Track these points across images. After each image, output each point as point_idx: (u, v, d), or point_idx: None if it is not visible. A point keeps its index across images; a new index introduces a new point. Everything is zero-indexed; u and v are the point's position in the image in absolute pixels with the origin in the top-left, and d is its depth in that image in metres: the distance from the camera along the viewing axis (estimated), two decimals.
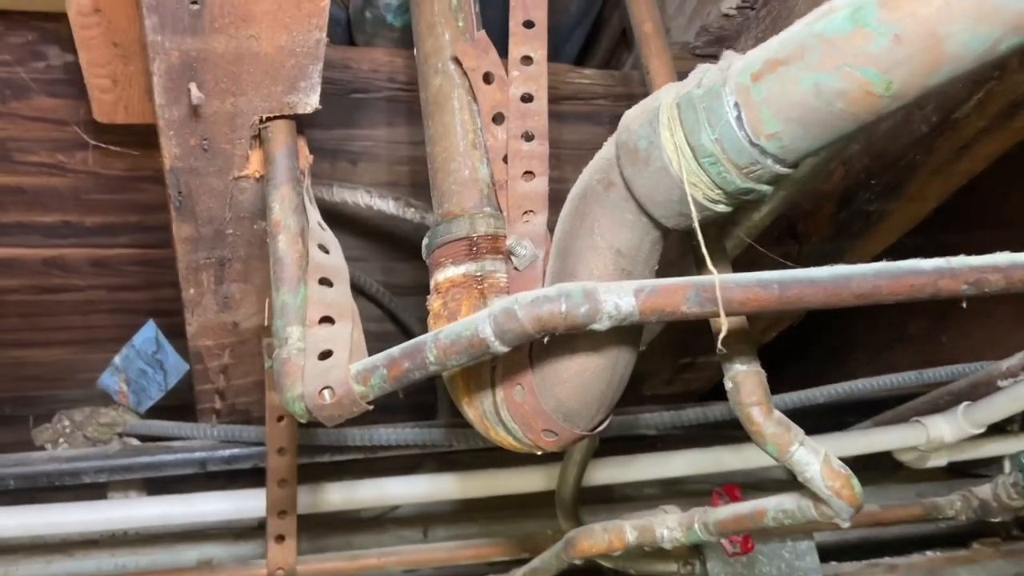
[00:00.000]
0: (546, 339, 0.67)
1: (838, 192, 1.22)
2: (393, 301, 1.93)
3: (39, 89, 1.31)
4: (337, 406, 0.73)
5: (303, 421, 0.76)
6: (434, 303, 0.85)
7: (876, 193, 1.30)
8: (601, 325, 0.64)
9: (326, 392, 0.73)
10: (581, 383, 0.74)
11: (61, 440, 1.62)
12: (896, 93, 0.56)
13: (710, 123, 0.63)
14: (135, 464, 1.48)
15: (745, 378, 0.81)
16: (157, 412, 1.90)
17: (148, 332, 1.55)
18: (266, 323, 0.82)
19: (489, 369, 0.80)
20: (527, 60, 0.92)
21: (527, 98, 0.90)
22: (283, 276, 0.80)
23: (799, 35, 0.59)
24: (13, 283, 1.80)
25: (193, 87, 0.76)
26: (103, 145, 1.34)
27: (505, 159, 0.89)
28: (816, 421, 1.85)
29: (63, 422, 1.62)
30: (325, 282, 0.81)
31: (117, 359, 1.61)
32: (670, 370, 1.85)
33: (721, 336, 0.63)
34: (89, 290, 1.87)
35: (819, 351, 2.58)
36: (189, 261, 1.03)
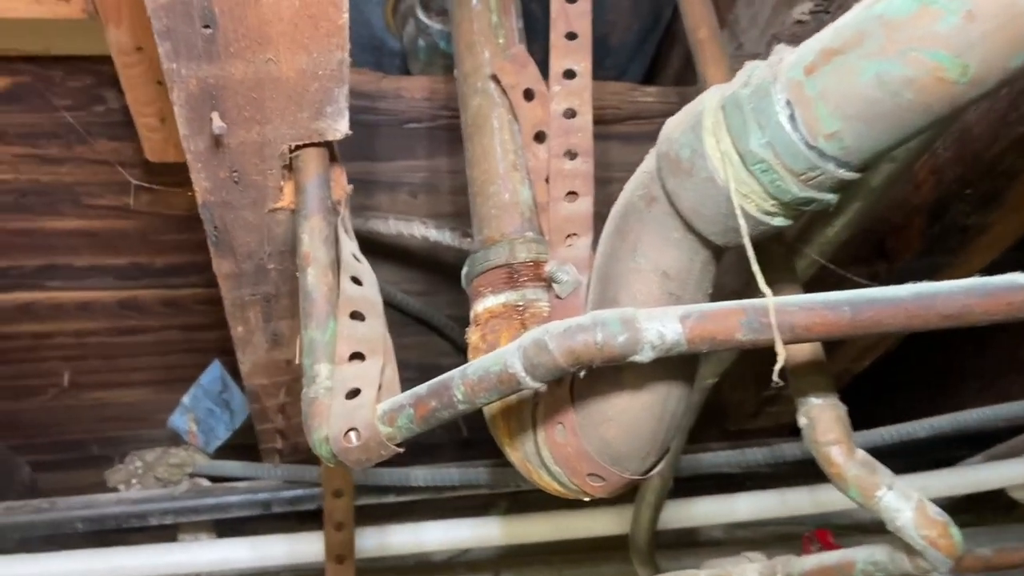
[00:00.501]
0: (582, 373, 0.60)
1: (929, 204, 1.11)
2: (463, 335, 1.88)
3: (100, 132, 1.33)
4: (364, 449, 0.68)
5: (331, 465, 0.71)
6: (473, 336, 0.80)
7: (972, 204, 1.18)
8: (643, 356, 0.57)
9: (352, 434, 0.68)
10: (628, 422, 0.66)
11: (133, 481, 1.63)
12: (974, 78, 0.47)
13: (759, 125, 0.56)
14: (201, 506, 1.46)
15: (821, 413, 0.72)
16: (228, 451, 1.90)
17: (214, 372, 1.54)
18: (296, 360, 0.77)
19: (530, 407, 0.73)
20: (570, 74, 0.86)
21: (570, 114, 0.84)
22: (311, 311, 0.75)
23: (856, 20, 0.51)
24: (91, 325, 1.83)
25: (215, 116, 0.73)
26: (161, 187, 1.35)
27: (547, 180, 0.83)
28: (921, 457, 1.71)
29: (135, 463, 1.63)
30: (356, 316, 0.77)
31: (186, 399, 1.61)
32: (755, 402, 1.73)
33: (778, 367, 0.55)
34: (163, 330, 1.89)
35: (923, 379, 2.40)
36: (234, 298, 1.01)
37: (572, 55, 0.87)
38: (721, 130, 0.58)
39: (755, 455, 1.38)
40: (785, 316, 0.57)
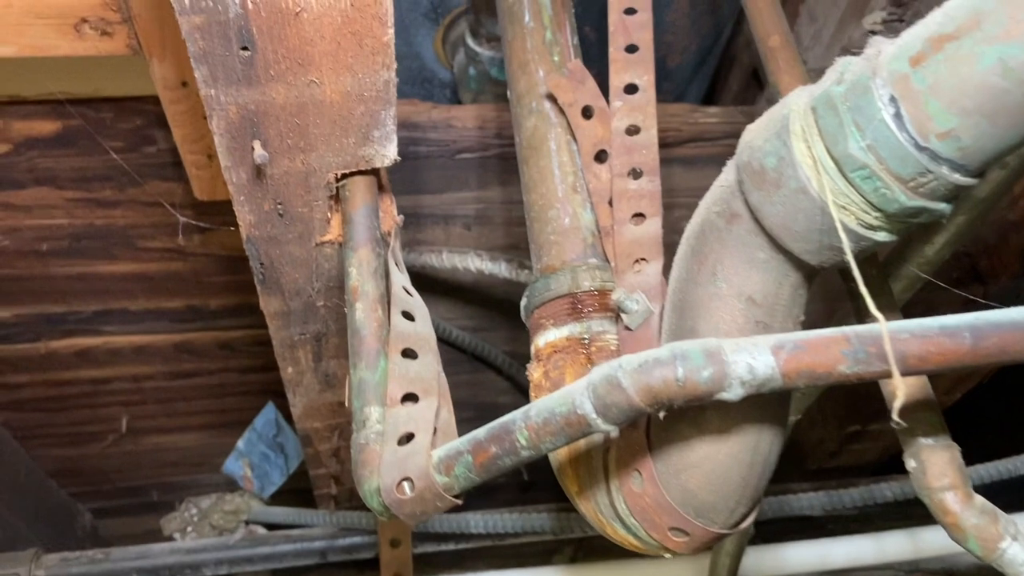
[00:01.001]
0: (661, 414, 0.53)
1: None
2: (521, 372, 1.82)
3: (151, 173, 1.32)
4: (419, 501, 0.61)
5: (384, 519, 0.65)
6: (534, 372, 0.73)
7: None
8: (732, 394, 0.50)
9: (405, 484, 0.62)
10: (713, 469, 0.59)
11: (189, 529, 1.59)
12: None
13: (858, 126, 0.49)
14: (255, 555, 1.41)
15: (932, 455, 0.64)
16: (284, 494, 1.86)
17: (268, 414, 1.50)
18: (346, 403, 0.72)
19: (601, 452, 0.66)
20: (631, 88, 0.80)
21: (633, 130, 0.78)
22: (360, 350, 0.70)
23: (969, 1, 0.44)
24: (148, 370, 1.82)
25: (256, 145, 0.69)
26: (211, 226, 1.33)
27: (611, 202, 0.77)
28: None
29: (190, 510, 1.59)
30: (409, 354, 0.71)
31: (240, 443, 1.57)
32: (836, 440, 1.62)
33: (897, 406, 0.47)
34: (219, 373, 1.87)
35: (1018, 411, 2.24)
36: (283, 338, 0.96)
37: (633, 68, 0.81)
38: (813, 134, 0.51)
39: (849, 498, 1.27)
40: (897, 344, 0.49)
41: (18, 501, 1.88)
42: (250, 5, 0.59)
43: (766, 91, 1.83)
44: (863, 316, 0.69)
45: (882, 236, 0.52)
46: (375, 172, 0.78)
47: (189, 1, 0.57)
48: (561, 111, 0.82)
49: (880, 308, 0.69)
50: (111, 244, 1.46)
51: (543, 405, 0.55)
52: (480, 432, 0.58)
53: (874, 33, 1.26)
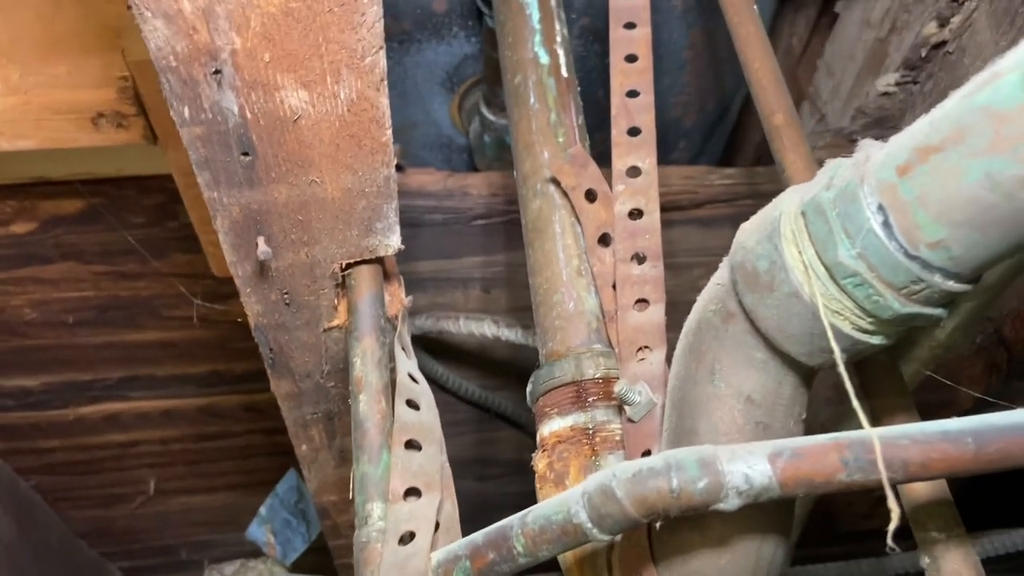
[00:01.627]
0: (658, 524, 0.52)
1: None
2: None
3: (174, 247, 1.35)
4: None
5: None
6: (539, 463, 0.73)
7: None
8: (728, 505, 0.49)
9: None
10: None
11: None
12: None
13: (847, 233, 0.48)
14: None
15: (946, 552, 0.62)
16: (309, 556, 1.85)
17: (290, 481, 1.51)
18: (350, 496, 0.72)
19: (605, 553, 0.65)
20: (634, 172, 0.80)
21: (636, 214, 0.78)
22: (363, 443, 0.70)
23: (956, 111, 0.44)
24: (175, 433, 1.84)
25: (260, 241, 0.70)
26: (232, 298, 1.35)
27: (614, 286, 0.76)
28: None
29: None
30: (412, 445, 0.71)
31: (263, 509, 1.58)
32: (867, 503, 1.58)
33: (892, 528, 0.46)
34: (245, 435, 1.89)
35: None
36: (295, 418, 0.97)
37: (636, 151, 0.81)
38: (803, 239, 0.51)
39: (869, 569, 1.23)
40: (896, 451, 0.48)
41: (51, 561, 1.90)
42: (249, 114, 0.60)
43: None
44: (874, 411, 0.67)
45: (878, 340, 0.51)
46: (380, 260, 0.79)
47: (189, 114, 0.59)
48: (565, 194, 0.83)
49: (890, 397, 0.68)
50: (136, 314, 1.48)
51: (539, 512, 0.54)
52: (478, 536, 0.58)
53: (888, 95, 1.25)
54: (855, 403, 0.47)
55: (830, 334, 0.49)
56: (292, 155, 0.64)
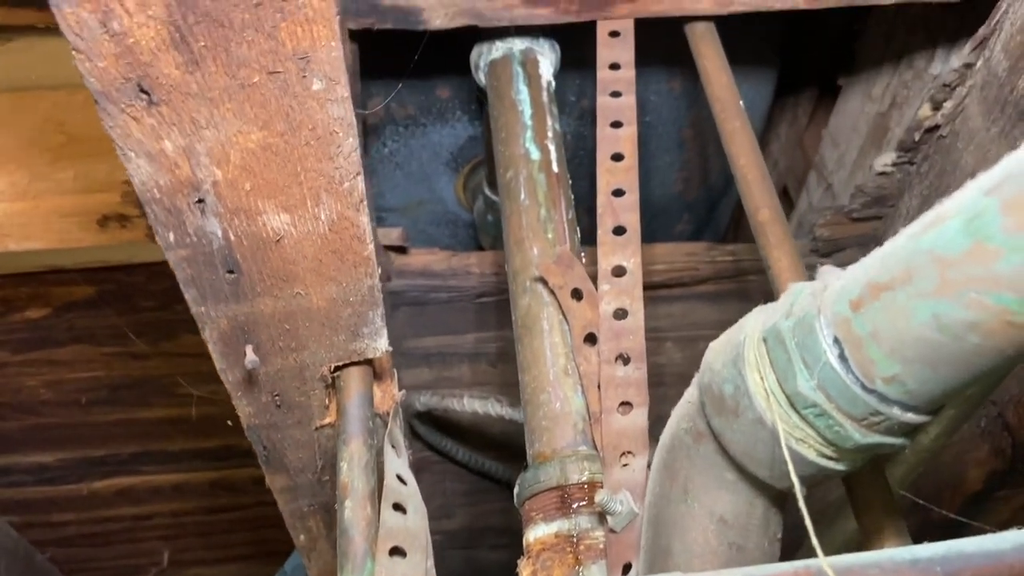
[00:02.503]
0: None
1: None
2: None
3: (183, 328, 1.37)
4: None
5: None
6: (524, 571, 0.72)
7: None
8: None
9: None
10: None
11: None
12: None
13: (806, 364, 0.49)
14: None
15: None
16: None
17: (296, 559, 1.51)
18: None
19: None
20: (619, 271, 0.82)
21: (620, 314, 0.79)
22: (348, 551, 0.70)
23: (904, 252, 0.45)
24: (187, 506, 1.85)
25: (249, 350, 0.72)
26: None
27: (600, 386, 0.77)
28: None
29: None
30: (397, 552, 0.71)
31: None
32: None
33: None
34: (256, 507, 1.89)
35: None
36: (292, 510, 0.97)
37: (621, 250, 0.83)
38: (765, 366, 0.51)
39: None
40: None
41: None
42: (232, 237, 0.62)
43: (794, 216, 1.84)
44: (859, 517, 0.67)
45: (843, 467, 0.51)
46: (370, 361, 0.80)
47: (174, 238, 0.61)
48: (553, 292, 0.84)
49: (874, 506, 0.68)
50: (147, 392, 1.51)
51: None
52: None
53: (886, 175, 1.26)
54: (809, 530, 0.47)
55: (790, 463, 0.49)
56: (276, 271, 0.66)
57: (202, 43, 0.49)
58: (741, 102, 0.95)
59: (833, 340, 0.48)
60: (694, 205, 1.62)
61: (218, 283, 0.66)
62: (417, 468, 1.83)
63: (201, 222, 0.60)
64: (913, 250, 0.44)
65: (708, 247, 1.40)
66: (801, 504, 0.48)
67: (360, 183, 0.62)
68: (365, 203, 0.64)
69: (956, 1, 0.99)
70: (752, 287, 1.44)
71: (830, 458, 0.51)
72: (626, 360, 0.76)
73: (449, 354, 1.54)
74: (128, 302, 1.31)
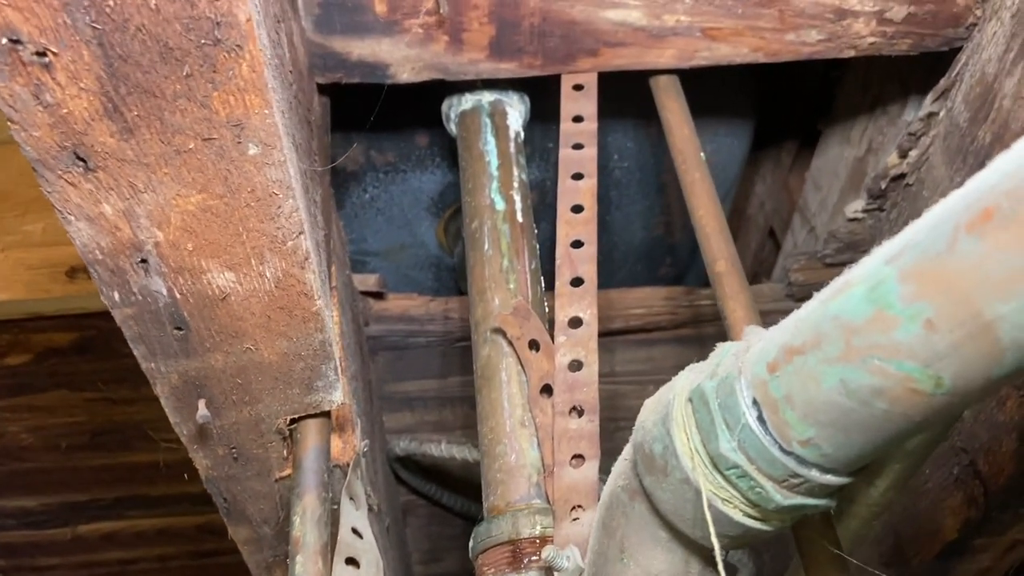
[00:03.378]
0: None
1: (1016, 422, 0.98)
2: None
3: None
4: None
5: None
6: None
7: None
8: None
9: None
10: None
11: None
12: (952, 390, 0.40)
13: (728, 425, 0.49)
14: None
15: None
16: None
17: None
18: None
19: None
20: (575, 322, 0.82)
21: (575, 366, 0.79)
22: None
23: (814, 317, 0.45)
24: (171, 550, 1.84)
25: (201, 404, 0.72)
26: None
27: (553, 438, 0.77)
28: None
29: None
30: None
31: None
32: None
33: None
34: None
35: None
36: (257, 562, 0.97)
37: (578, 302, 0.83)
38: (691, 425, 0.52)
39: None
40: None
41: None
42: (178, 295, 0.63)
43: (780, 259, 1.84)
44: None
45: (771, 526, 0.51)
46: (328, 413, 0.81)
47: (119, 297, 0.62)
48: (511, 343, 0.84)
49: (820, 559, 0.67)
50: (129, 437, 1.51)
51: None
52: None
53: (857, 220, 1.26)
54: None
55: (711, 523, 0.50)
56: (225, 327, 0.67)
57: (135, 112, 0.51)
58: (702, 154, 0.96)
59: (752, 402, 0.48)
60: (676, 248, 1.63)
61: (166, 340, 0.67)
62: (404, 511, 1.83)
63: (145, 281, 0.61)
64: (822, 315, 0.44)
65: (686, 291, 1.41)
66: (720, 568, 0.48)
67: (304, 241, 0.63)
68: (311, 260, 0.65)
69: (914, 55, 1.00)
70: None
71: (756, 518, 0.51)
72: (580, 412, 0.77)
73: (430, 398, 1.55)
74: (108, 348, 1.32)
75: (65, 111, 0.50)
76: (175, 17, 0.47)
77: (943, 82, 1.02)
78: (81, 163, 0.53)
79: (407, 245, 1.57)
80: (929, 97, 1.04)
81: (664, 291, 1.40)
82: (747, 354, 0.50)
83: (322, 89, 1.01)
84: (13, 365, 1.32)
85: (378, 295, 1.33)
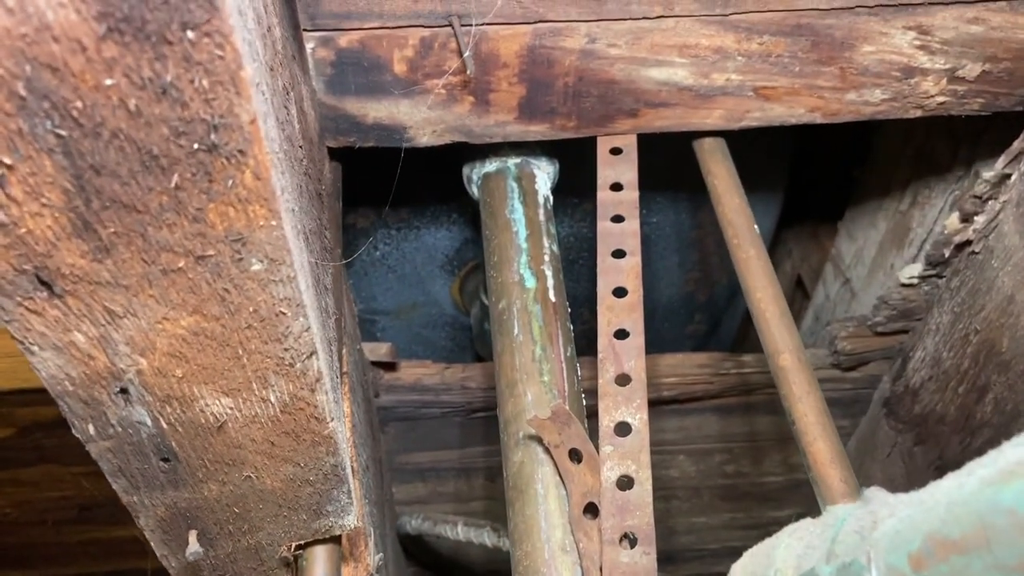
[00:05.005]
0: None
1: None
2: None
3: None
4: None
5: None
6: None
7: None
8: None
9: None
10: None
11: None
12: None
13: None
14: None
15: None
16: None
17: None
18: None
19: None
20: (623, 429, 0.72)
21: (625, 484, 0.69)
22: None
23: (976, 502, 0.35)
24: None
25: (192, 537, 0.62)
26: None
27: (602, 569, 0.66)
28: None
29: None
30: None
31: None
32: None
33: None
34: None
35: None
36: None
37: (625, 404, 0.73)
38: None
39: None
40: None
41: None
42: (165, 425, 0.53)
43: (811, 304, 1.74)
44: None
45: None
46: (338, 538, 0.70)
47: (95, 430, 0.52)
48: (548, 450, 0.74)
49: None
50: (118, 510, 1.40)
51: None
52: None
53: (911, 286, 1.16)
54: None
55: None
56: (220, 456, 0.57)
57: (111, 229, 0.41)
58: (756, 227, 0.86)
59: None
60: (706, 305, 1.53)
61: (151, 472, 0.56)
62: None
63: (125, 412, 0.51)
64: (990, 505, 0.34)
65: (721, 357, 1.31)
66: None
67: (315, 362, 0.53)
68: (323, 382, 0.54)
69: (986, 114, 0.91)
70: (763, 402, 1.34)
71: None
72: (632, 541, 0.66)
73: (444, 469, 1.44)
74: None
75: (23, 230, 0.40)
76: (160, 120, 0.37)
77: (1017, 143, 0.93)
78: (45, 288, 0.43)
79: (420, 304, 1.47)
80: (1002, 160, 0.94)
81: (699, 357, 1.29)
82: (875, 533, 0.40)
83: (333, 153, 0.91)
84: None
85: (389, 365, 1.23)
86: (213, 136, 0.38)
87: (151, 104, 0.37)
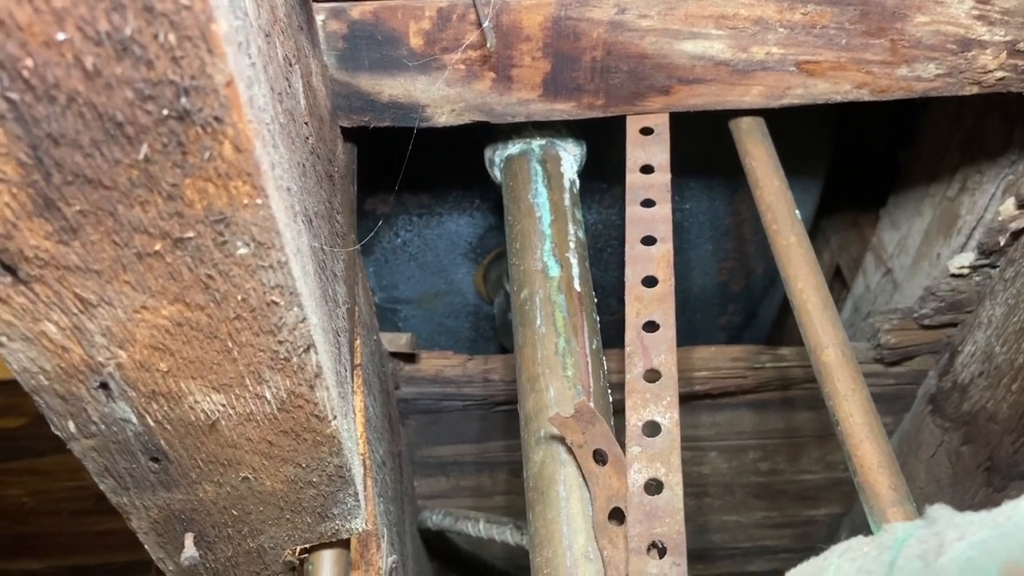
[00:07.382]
0: None
1: None
2: None
3: None
4: None
5: None
6: None
7: None
8: None
9: None
10: None
11: None
12: None
13: None
14: None
15: None
16: None
17: None
18: None
19: None
20: (652, 429, 0.67)
21: (654, 488, 0.64)
22: None
23: None
24: None
25: (188, 540, 0.58)
26: None
27: None
28: None
29: None
30: None
31: None
32: None
33: None
34: None
35: None
36: None
37: (654, 403, 0.68)
38: None
39: None
40: None
41: None
42: (152, 422, 0.49)
43: (851, 294, 1.67)
44: None
45: None
46: (346, 542, 0.66)
47: (75, 428, 0.48)
48: (571, 450, 0.69)
49: None
50: None
51: None
52: None
53: (962, 276, 1.09)
54: None
55: None
56: (214, 456, 0.53)
57: (77, 207, 0.37)
58: (797, 211, 0.80)
59: None
60: (740, 296, 1.47)
61: (140, 472, 0.52)
62: None
63: (108, 408, 0.47)
64: None
65: (756, 350, 1.24)
66: None
67: (314, 356, 0.48)
68: (323, 377, 0.50)
69: None
70: (800, 397, 1.28)
71: None
72: (661, 550, 0.61)
73: (466, 463, 1.40)
74: None
75: None
76: (122, 81, 0.33)
77: None
78: (8, 273, 0.39)
79: (442, 292, 1.42)
80: None
81: (733, 350, 1.23)
82: (942, 559, 0.34)
83: (347, 133, 0.87)
84: (10, 428, 1.19)
85: (408, 357, 1.19)
86: (184, 100, 0.34)
87: (111, 63, 0.32)
